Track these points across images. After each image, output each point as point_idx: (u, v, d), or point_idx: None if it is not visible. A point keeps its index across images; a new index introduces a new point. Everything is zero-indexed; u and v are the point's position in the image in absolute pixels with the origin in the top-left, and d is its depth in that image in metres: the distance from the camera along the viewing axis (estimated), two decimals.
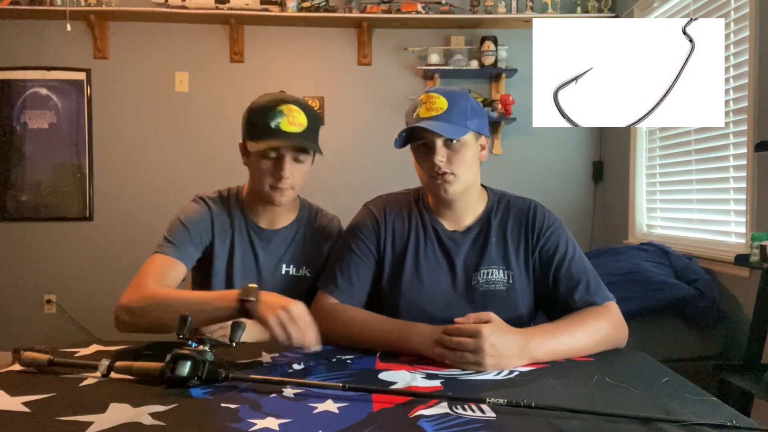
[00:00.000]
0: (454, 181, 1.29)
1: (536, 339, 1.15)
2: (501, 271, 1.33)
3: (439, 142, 1.28)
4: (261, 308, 1.15)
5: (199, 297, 1.25)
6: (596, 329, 1.23)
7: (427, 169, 1.30)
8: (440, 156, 1.27)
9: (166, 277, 1.32)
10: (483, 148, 1.35)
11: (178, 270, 1.36)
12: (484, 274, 1.33)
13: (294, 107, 1.36)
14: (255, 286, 1.19)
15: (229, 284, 1.45)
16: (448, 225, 1.38)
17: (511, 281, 1.33)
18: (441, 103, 1.28)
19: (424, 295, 1.34)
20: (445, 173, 1.28)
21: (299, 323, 1.14)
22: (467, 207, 1.37)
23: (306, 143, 1.36)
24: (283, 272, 1.47)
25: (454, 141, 1.28)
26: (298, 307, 1.15)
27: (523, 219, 1.36)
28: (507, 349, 1.09)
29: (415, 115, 1.31)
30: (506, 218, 1.37)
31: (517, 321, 1.35)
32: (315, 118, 1.41)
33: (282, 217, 1.49)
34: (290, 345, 1.14)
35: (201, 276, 1.47)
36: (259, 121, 1.36)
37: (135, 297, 1.25)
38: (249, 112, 1.41)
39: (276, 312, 1.13)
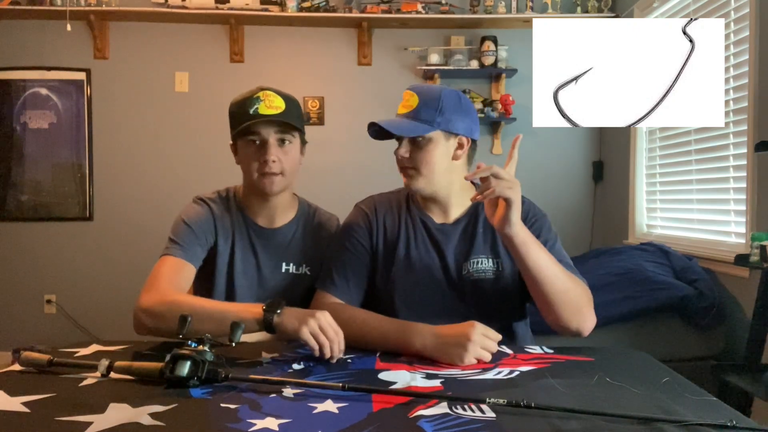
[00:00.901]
0: (416, 176, 1.33)
1: (529, 235, 1.21)
2: (489, 260, 1.37)
3: (405, 138, 1.32)
4: (289, 321, 1.15)
5: (224, 307, 1.24)
6: (575, 284, 1.25)
7: (397, 161, 1.36)
8: (402, 151, 1.32)
9: (179, 280, 1.32)
10: (460, 147, 1.36)
11: (189, 271, 1.37)
12: (473, 263, 1.36)
13: (270, 92, 1.40)
14: (281, 300, 1.19)
15: (230, 283, 1.45)
16: (436, 218, 1.41)
17: (499, 269, 1.36)
18: (412, 101, 1.33)
19: (418, 285, 1.36)
20: (405, 168, 1.33)
21: (328, 332, 1.13)
22: (453, 201, 1.40)
23: (284, 120, 1.38)
24: (284, 270, 1.48)
25: (419, 138, 1.31)
26: (326, 317, 1.15)
27: None
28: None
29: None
30: None
31: (508, 306, 1.38)
32: (294, 105, 1.44)
33: (281, 216, 1.50)
34: (322, 356, 1.13)
35: (203, 275, 1.47)
36: (238, 111, 1.40)
37: (156, 300, 1.24)
38: (230, 107, 1.44)
39: (307, 322, 1.13)
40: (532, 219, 1.38)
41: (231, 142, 1.46)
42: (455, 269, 1.37)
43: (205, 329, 1.10)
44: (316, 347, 1.12)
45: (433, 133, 1.31)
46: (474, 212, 1.41)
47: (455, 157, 1.35)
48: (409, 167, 1.33)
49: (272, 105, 1.38)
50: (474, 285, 1.36)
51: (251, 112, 1.36)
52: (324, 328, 1.13)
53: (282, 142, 1.40)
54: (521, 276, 1.37)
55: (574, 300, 1.24)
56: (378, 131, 1.37)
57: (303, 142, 1.48)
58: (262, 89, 1.40)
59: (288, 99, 1.42)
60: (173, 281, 1.31)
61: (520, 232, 1.18)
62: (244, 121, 1.37)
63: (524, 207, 1.38)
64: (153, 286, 1.28)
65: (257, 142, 1.39)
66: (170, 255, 1.36)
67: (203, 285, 1.47)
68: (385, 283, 1.39)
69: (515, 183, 1.15)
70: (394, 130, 1.31)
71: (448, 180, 1.36)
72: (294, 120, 1.40)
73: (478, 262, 1.36)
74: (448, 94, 1.34)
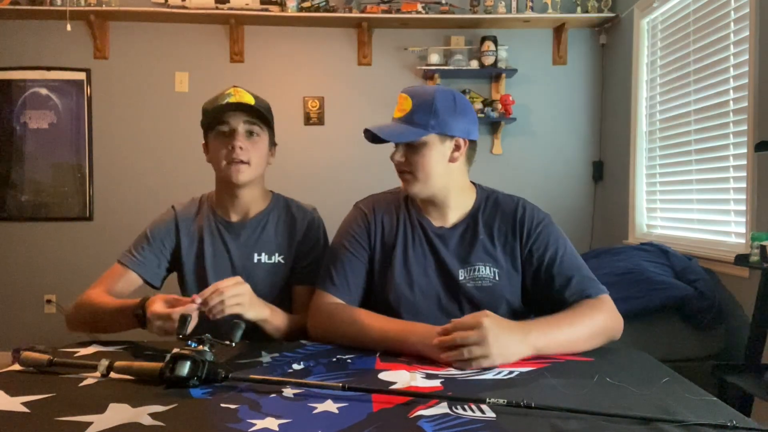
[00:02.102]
0: (412, 180, 1.32)
1: (536, 330, 1.16)
2: (488, 268, 1.34)
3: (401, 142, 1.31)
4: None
5: (115, 305, 1.32)
6: (594, 321, 1.23)
7: (394, 165, 1.35)
8: (398, 155, 1.31)
9: (115, 286, 1.43)
10: (457, 148, 1.32)
11: (130, 279, 1.45)
12: (470, 270, 1.34)
13: (241, 90, 1.46)
14: (148, 297, 1.24)
15: (202, 281, 1.47)
16: (434, 221, 1.39)
17: (497, 278, 1.34)
18: (406, 105, 1.30)
19: (414, 290, 1.35)
20: (402, 171, 1.32)
21: (168, 324, 1.14)
22: (451, 204, 1.38)
23: (253, 106, 1.42)
24: (255, 261, 1.49)
25: (414, 142, 1.29)
26: (155, 307, 1.17)
27: (511, 218, 1.37)
28: (509, 340, 1.10)
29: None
30: (494, 216, 1.38)
31: (507, 315, 1.36)
32: (264, 104, 1.49)
33: (251, 210, 1.52)
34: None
35: (178, 276, 1.53)
36: (209, 107, 1.46)
37: (75, 304, 1.40)
38: (203, 107, 1.50)
39: (153, 327, 1.16)
40: (537, 228, 1.35)
41: (203, 142, 1.51)
42: (452, 274, 1.35)
43: (105, 324, 1.33)
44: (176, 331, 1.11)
45: (427, 137, 1.28)
46: (473, 217, 1.38)
47: (452, 160, 1.32)
48: (406, 171, 1.32)
49: (242, 99, 1.43)
50: (471, 292, 1.33)
51: (222, 104, 1.42)
52: (164, 317, 1.14)
53: (250, 134, 1.44)
54: (525, 288, 1.36)
55: (602, 336, 1.23)
56: (375, 136, 1.35)
57: (272, 143, 1.52)
58: (234, 87, 1.47)
59: (258, 98, 1.47)
60: (108, 287, 1.41)
61: (533, 348, 1.14)
62: (213, 112, 1.43)
63: (527, 213, 1.37)
64: (88, 290, 1.40)
65: (226, 131, 1.43)
66: (119, 262, 1.48)
67: (180, 285, 1.53)
68: (382, 284, 1.38)
69: (483, 343, 1.07)
70: (386, 136, 1.29)
71: (445, 183, 1.34)
72: (263, 118, 1.45)
73: (475, 270, 1.34)
74: (443, 95, 1.29)
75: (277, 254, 1.50)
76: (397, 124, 1.30)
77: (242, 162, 1.41)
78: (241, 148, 1.41)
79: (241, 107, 1.41)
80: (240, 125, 1.42)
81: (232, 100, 1.42)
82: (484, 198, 1.41)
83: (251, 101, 1.43)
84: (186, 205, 1.55)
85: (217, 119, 1.42)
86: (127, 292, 1.43)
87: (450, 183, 1.35)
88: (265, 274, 1.48)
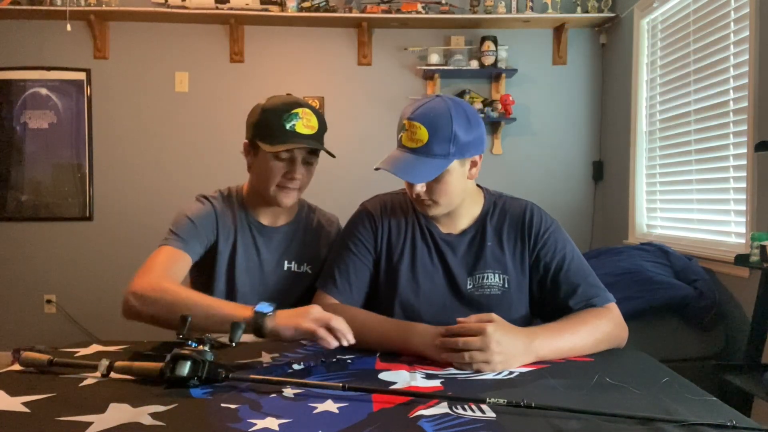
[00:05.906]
0: (434, 207, 1.29)
1: (540, 337, 1.16)
2: (497, 275, 1.33)
3: None
4: (283, 325, 1.14)
5: (213, 303, 1.22)
6: (598, 328, 1.23)
7: (409, 192, 1.30)
8: (418, 188, 1.26)
9: (172, 269, 1.31)
10: (474, 165, 1.30)
11: (185, 262, 1.36)
12: (479, 278, 1.33)
13: (308, 110, 1.40)
14: (272, 303, 1.18)
15: (231, 281, 1.46)
16: (443, 228, 1.37)
17: (506, 285, 1.33)
18: (422, 135, 1.21)
19: (420, 297, 1.33)
20: (424, 200, 1.28)
21: (331, 321, 1.13)
22: (461, 211, 1.36)
23: (320, 145, 1.41)
24: (285, 268, 1.49)
25: None
26: (317, 309, 1.16)
27: (519, 222, 1.36)
28: (513, 347, 1.10)
29: (399, 137, 1.27)
30: (502, 221, 1.36)
31: (514, 323, 1.35)
32: (324, 122, 1.45)
33: (283, 215, 1.52)
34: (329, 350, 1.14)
35: (203, 273, 1.48)
36: (274, 122, 1.38)
37: (147, 285, 1.23)
38: (262, 113, 1.41)
39: (303, 321, 1.13)
40: (545, 234, 1.34)
41: (247, 140, 1.45)
42: (459, 282, 1.33)
43: (193, 322, 1.10)
44: (329, 337, 1.12)
45: (449, 165, 1.24)
46: (482, 223, 1.36)
47: (470, 177, 1.31)
48: (427, 199, 1.28)
49: (308, 124, 1.39)
50: (479, 300, 1.32)
51: (288, 127, 1.37)
52: (322, 319, 1.13)
53: (308, 163, 1.43)
54: (531, 294, 1.36)
55: (605, 344, 1.23)
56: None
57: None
58: (299, 105, 1.40)
59: (320, 118, 1.43)
60: (168, 270, 1.30)
61: (536, 356, 1.14)
62: (279, 134, 1.37)
63: (535, 217, 1.35)
64: (147, 272, 1.27)
65: (285, 158, 1.40)
66: (168, 245, 1.35)
67: (203, 282, 1.48)
68: (386, 290, 1.36)
69: (487, 346, 1.07)
70: (410, 178, 1.23)
71: (463, 197, 1.33)
72: (323, 141, 1.43)
73: (484, 277, 1.32)
74: (457, 114, 1.22)
75: (305, 264, 1.50)
76: (414, 158, 1.23)
77: (293, 189, 1.41)
78: (297, 178, 1.40)
79: (307, 144, 1.37)
80: (301, 155, 1.40)
81: (299, 127, 1.37)
82: (491, 203, 1.39)
83: (316, 125, 1.40)
84: (219, 200, 1.50)
85: (277, 139, 1.37)
86: (182, 277, 1.35)
87: (466, 196, 1.34)
88: (292, 282, 1.48)
